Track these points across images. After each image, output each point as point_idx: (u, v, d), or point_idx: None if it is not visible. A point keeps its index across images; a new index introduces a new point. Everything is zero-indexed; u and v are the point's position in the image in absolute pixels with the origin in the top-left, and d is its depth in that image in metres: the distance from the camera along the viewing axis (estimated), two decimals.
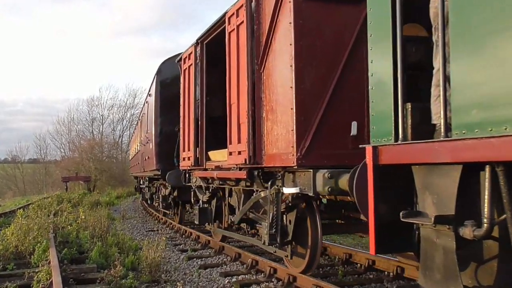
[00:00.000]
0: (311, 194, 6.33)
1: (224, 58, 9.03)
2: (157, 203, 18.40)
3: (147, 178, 20.58)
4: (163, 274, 8.69)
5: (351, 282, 7.82)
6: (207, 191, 10.76)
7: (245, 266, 9.15)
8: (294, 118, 6.42)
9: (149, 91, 18.42)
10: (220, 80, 9.67)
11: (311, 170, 6.29)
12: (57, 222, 13.45)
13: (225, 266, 9.41)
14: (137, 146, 24.12)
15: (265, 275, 8.24)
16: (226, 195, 9.96)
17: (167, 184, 14.86)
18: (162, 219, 18.26)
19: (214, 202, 10.71)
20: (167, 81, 15.54)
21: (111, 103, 62.58)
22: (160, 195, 16.78)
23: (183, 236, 13.93)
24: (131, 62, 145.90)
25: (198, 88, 10.68)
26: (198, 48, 10.69)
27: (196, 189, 11.35)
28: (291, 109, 6.47)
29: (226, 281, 8.15)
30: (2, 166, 68.93)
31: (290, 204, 7.08)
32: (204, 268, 9.23)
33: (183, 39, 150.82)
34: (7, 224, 14.32)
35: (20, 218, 11.86)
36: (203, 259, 10.24)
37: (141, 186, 25.24)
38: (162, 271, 8.80)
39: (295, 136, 6.40)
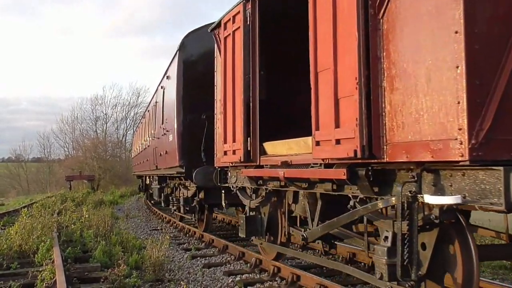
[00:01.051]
0: (500, 207, 3.85)
1: (290, 12, 7.35)
2: (174, 207, 15.00)
3: (157, 178, 18.33)
4: (166, 273, 8.69)
5: (355, 281, 7.78)
6: (254, 195, 8.49)
7: (248, 265, 9.14)
8: (464, 81, 3.93)
9: (166, 73, 15.18)
10: (277, 48, 8.20)
11: (500, 168, 3.82)
12: (60, 221, 13.50)
13: (229, 265, 9.41)
14: (145, 142, 21.50)
15: (268, 274, 8.23)
16: (287, 201, 7.84)
17: (190, 184, 12.70)
18: (165, 218, 18.26)
19: (266, 209, 8.42)
20: (192, 59, 12.74)
21: (114, 102, 62.64)
22: (181, 197, 13.77)
23: (187, 235, 13.93)
24: (134, 61, 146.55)
25: (249, 59, 7.88)
26: (249, 6, 7.85)
27: (238, 191, 8.88)
28: (456, 67, 3.98)
29: (230, 280, 8.14)
30: (5, 165, 69.18)
31: (433, 221, 4.63)
32: (208, 267, 9.23)
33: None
34: (11, 223, 14.35)
35: (24, 217, 11.86)
36: (207, 258, 10.24)
37: (151, 186, 21.89)
38: (165, 270, 8.81)
39: (466, 111, 3.90)
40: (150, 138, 18.68)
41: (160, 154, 15.19)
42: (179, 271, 9.01)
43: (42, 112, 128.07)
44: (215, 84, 9.50)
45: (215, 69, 9.55)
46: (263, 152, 7.69)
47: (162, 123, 14.99)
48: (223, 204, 10.02)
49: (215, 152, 9.53)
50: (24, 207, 21.35)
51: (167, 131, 13.79)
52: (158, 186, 18.18)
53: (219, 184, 9.49)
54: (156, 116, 17.09)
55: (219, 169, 9.40)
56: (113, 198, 31.64)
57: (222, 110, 8.85)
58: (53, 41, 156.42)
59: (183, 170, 12.03)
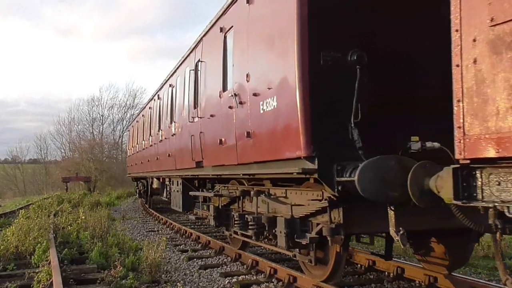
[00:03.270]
0: None
1: None
2: (250, 230, 8.11)
3: (181, 182, 13.60)
4: (163, 275, 8.69)
5: (351, 282, 7.82)
6: None
7: (245, 266, 9.15)
8: None
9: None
10: None
11: None
12: (57, 223, 13.47)
13: (226, 267, 9.41)
14: (152, 136, 17.95)
15: (265, 275, 8.24)
16: None
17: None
18: (162, 219, 18.24)
19: None
20: None
21: (111, 103, 62.64)
22: (264, 216, 7.65)
23: (184, 236, 13.93)
24: (132, 62, 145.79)
25: None
26: None
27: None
28: None
29: (226, 282, 8.15)
30: (2, 166, 69.02)
31: None
32: (205, 269, 9.23)
33: (188, 39, 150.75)
34: (7, 225, 14.33)
35: (21, 219, 11.86)
36: (204, 259, 10.24)
37: (170, 191, 16.02)
38: (162, 272, 8.80)
39: None
40: (171, 123, 14.16)
41: (221, 141, 8.79)
42: (175, 273, 9.01)
43: (40, 114, 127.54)
44: None
45: None
46: None
47: (224, 90, 8.93)
48: (399, 239, 5.38)
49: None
50: (20, 208, 21.31)
51: (255, 94, 7.22)
52: (184, 197, 13.46)
53: (462, 202, 4.02)
54: (186, 93, 12.18)
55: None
56: (110, 200, 31.60)
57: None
58: (52, 42, 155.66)
59: (312, 166, 5.79)
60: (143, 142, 20.70)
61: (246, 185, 9.07)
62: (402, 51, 6.25)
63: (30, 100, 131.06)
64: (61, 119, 64.80)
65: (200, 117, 10.38)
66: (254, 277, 8.40)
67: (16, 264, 8.88)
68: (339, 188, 5.60)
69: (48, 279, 7.16)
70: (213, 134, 9.46)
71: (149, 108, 19.84)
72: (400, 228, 5.35)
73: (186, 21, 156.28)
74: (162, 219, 18.38)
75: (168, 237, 12.95)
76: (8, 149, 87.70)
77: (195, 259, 10.21)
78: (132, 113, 60.16)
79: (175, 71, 14.30)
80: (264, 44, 7.13)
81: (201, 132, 10.32)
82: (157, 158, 16.57)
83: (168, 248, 11.21)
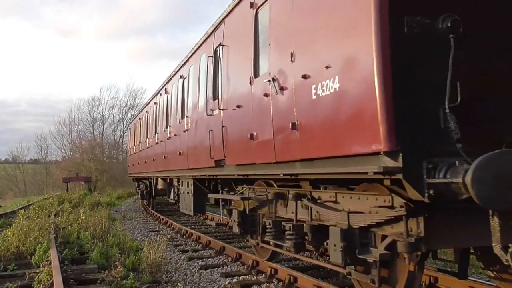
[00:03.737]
0: None
1: None
2: (287, 241, 7.06)
3: (192, 182, 12.33)
4: (164, 275, 8.69)
5: (352, 283, 7.81)
6: None
7: (246, 266, 9.15)
8: None
9: None
10: None
11: None
12: (58, 223, 13.48)
13: (226, 267, 9.41)
14: (159, 133, 16.55)
15: (265, 275, 8.24)
16: None
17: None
18: (163, 219, 18.24)
19: None
20: None
21: (111, 104, 62.63)
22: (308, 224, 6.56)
23: (184, 236, 13.92)
24: (132, 63, 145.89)
25: None
26: None
27: None
28: None
29: (227, 282, 8.15)
30: (3, 166, 69.03)
31: None
32: (205, 269, 9.23)
33: (189, 39, 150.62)
34: (8, 225, 14.33)
35: (21, 219, 11.86)
36: (204, 259, 10.24)
37: (178, 193, 14.75)
38: (163, 272, 8.80)
39: None
40: (185, 121, 12.56)
41: (252, 136, 7.59)
42: (176, 273, 9.01)
43: (41, 114, 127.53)
44: None
45: None
46: None
47: (256, 75, 7.66)
48: (508, 259, 4.22)
49: None
50: (21, 208, 21.31)
51: (305, 77, 5.89)
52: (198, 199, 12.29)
53: None
54: (203, 83, 10.83)
55: None
56: (110, 200, 31.58)
57: None
58: (53, 43, 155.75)
59: (395, 164, 4.51)
60: (147, 140, 19.40)
61: (275, 186, 7.87)
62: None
63: (31, 101, 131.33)
64: (61, 119, 64.92)
65: (222, 109, 9.10)
66: (255, 277, 8.40)
67: (17, 264, 8.88)
68: (431, 192, 4.33)
69: (49, 279, 7.16)
70: (240, 128, 8.23)
71: (154, 103, 18.33)
72: (510, 245, 4.11)
73: (187, 21, 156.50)
74: (162, 219, 18.37)
75: (168, 237, 12.95)
76: (8, 150, 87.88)
77: (195, 259, 10.21)
78: (132, 113, 60.25)
79: (187, 60, 12.95)
80: (320, 13, 5.71)
81: (223, 126, 9.07)
82: (164, 157, 15.22)
83: (168, 248, 11.22)
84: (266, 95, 7.03)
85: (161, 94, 16.87)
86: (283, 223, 7.15)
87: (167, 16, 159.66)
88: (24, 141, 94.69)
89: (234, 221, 8.90)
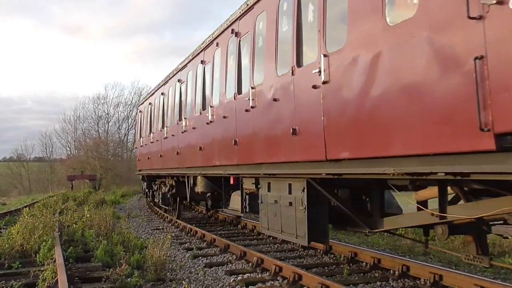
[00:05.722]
0: None
1: None
2: None
3: (304, 186, 7.57)
4: (168, 273, 8.69)
5: (357, 280, 7.80)
6: None
7: (250, 264, 9.14)
8: None
9: None
10: None
11: None
12: (62, 221, 13.49)
13: (231, 265, 9.41)
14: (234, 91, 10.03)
15: (270, 273, 8.23)
16: None
17: None
18: (167, 217, 18.24)
19: None
20: None
21: (116, 101, 62.64)
22: None
23: (188, 234, 13.92)
24: (138, 60, 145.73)
25: None
26: None
27: None
28: None
29: (231, 280, 8.14)
30: (7, 164, 69.24)
31: None
32: (210, 267, 9.23)
33: (196, 37, 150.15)
34: (12, 223, 14.36)
35: (26, 217, 11.87)
36: (209, 257, 10.23)
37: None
38: (167, 270, 8.81)
39: None
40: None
41: None
42: (180, 271, 9.01)
43: (46, 112, 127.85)
44: None
45: None
46: None
47: None
48: None
49: None
50: (25, 206, 21.38)
51: None
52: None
53: None
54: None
55: None
56: (115, 198, 31.62)
57: None
58: (59, 40, 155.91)
59: None
60: (178, 123, 14.60)
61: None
62: None
63: (36, 98, 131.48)
64: (66, 117, 64.98)
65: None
66: (259, 275, 8.39)
67: (21, 262, 8.88)
68: None
69: (53, 277, 7.16)
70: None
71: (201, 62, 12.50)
72: None
73: (195, 20, 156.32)
74: (167, 217, 18.37)
75: (173, 235, 12.96)
76: (13, 147, 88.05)
77: (200, 257, 10.21)
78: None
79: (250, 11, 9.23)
80: None
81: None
82: (235, 142, 9.61)
83: (173, 246, 11.23)
84: None
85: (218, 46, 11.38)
86: None
87: (171, 13, 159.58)
88: (28, 139, 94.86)
89: None
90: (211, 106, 11.23)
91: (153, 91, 20.21)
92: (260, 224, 9.24)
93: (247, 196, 10.10)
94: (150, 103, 20.29)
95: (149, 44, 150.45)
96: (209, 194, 13.99)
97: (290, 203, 7.88)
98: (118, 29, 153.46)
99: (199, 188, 13.62)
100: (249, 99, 8.88)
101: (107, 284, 7.40)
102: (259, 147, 8.69)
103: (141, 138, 22.09)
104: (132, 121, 58.61)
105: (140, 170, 22.63)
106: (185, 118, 13.82)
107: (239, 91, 9.68)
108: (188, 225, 14.63)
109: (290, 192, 7.94)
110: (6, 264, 8.76)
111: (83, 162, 54.01)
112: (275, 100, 7.98)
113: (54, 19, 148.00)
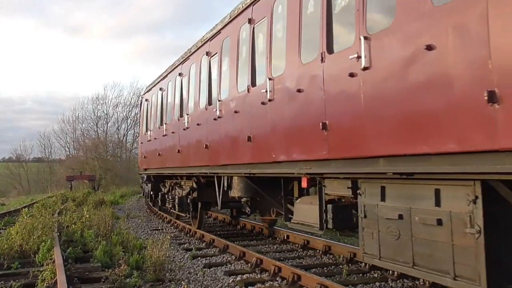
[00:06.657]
0: None
1: None
2: None
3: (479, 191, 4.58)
4: (167, 273, 8.69)
5: (356, 281, 7.81)
6: None
7: (249, 265, 9.14)
8: None
9: None
10: None
11: None
12: (61, 221, 13.50)
13: (230, 265, 9.41)
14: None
15: (269, 274, 8.23)
16: None
17: None
18: (166, 218, 18.23)
19: None
20: None
21: (115, 102, 62.61)
22: None
23: (188, 235, 13.92)
24: (138, 60, 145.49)
25: None
26: None
27: None
28: None
29: (230, 280, 8.14)
30: (6, 165, 69.20)
31: None
32: (209, 267, 9.23)
33: (198, 37, 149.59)
34: (11, 223, 14.36)
35: (25, 217, 11.87)
36: (208, 258, 10.24)
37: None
38: (166, 270, 8.81)
39: None
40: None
41: None
42: (179, 271, 9.01)
43: (46, 112, 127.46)
44: None
45: None
46: None
47: None
48: None
49: None
50: (24, 207, 21.36)
51: None
52: None
53: None
54: None
55: None
56: (114, 198, 31.58)
57: None
58: (60, 40, 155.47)
59: None
60: (207, 109, 11.43)
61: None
62: None
63: (36, 98, 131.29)
64: (65, 117, 65.01)
65: None
66: (258, 276, 8.39)
67: (21, 263, 8.88)
68: None
69: (53, 277, 7.16)
70: None
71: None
72: None
73: (196, 19, 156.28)
74: (166, 218, 18.37)
75: (172, 235, 12.96)
76: (12, 148, 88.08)
77: (199, 258, 10.21)
78: (137, 111, 60.27)
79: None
80: None
81: None
82: (323, 126, 6.60)
83: (172, 247, 11.22)
84: None
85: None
86: None
87: (172, 13, 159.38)
88: (27, 140, 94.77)
89: None
90: (269, 79, 8.14)
91: (165, 74, 16.53)
92: (360, 248, 6.43)
93: (329, 206, 7.28)
94: (161, 88, 16.85)
95: (149, 44, 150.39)
96: (247, 199, 10.72)
97: (440, 222, 5.00)
98: (119, 29, 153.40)
99: (235, 192, 10.44)
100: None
101: (106, 284, 7.40)
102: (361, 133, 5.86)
103: (148, 132, 18.67)
104: (132, 122, 58.71)
105: (145, 170, 19.27)
106: (219, 101, 10.49)
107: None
108: (187, 226, 14.61)
109: (438, 204, 5.07)
110: (6, 265, 8.76)
111: (82, 162, 53.98)
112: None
113: (55, 19, 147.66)
